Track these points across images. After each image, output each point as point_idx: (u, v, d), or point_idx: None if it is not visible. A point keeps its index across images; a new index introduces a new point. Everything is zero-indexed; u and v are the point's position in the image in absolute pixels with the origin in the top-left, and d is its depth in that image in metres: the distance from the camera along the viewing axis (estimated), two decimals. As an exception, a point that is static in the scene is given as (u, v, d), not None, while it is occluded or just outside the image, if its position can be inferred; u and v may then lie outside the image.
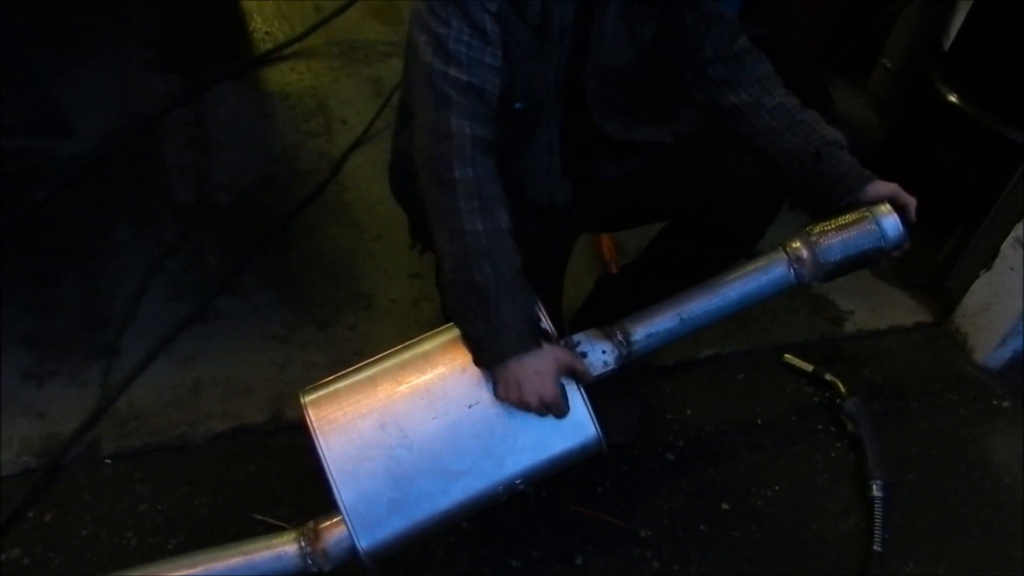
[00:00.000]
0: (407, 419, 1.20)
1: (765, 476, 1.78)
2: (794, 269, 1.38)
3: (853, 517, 1.72)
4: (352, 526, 1.17)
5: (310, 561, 1.22)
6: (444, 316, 1.34)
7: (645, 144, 1.50)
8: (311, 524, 1.25)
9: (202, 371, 1.83)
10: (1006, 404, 2.02)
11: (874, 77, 2.89)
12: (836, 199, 1.37)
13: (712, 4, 1.38)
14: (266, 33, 2.99)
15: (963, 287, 2.12)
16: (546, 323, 1.23)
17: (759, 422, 1.89)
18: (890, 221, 1.33)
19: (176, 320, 1.91)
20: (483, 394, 1.21)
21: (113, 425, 1.71)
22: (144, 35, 2.84)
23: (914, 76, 2.45)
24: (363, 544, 1.18)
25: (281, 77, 2.78)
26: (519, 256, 1.19)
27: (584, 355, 1.31)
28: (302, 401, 1.24)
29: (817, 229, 1.37)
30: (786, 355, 2.02)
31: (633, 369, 1.84)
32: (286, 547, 1.23)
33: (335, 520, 1.22)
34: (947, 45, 2.25)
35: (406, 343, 1.30)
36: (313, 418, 1.21)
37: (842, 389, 1.91)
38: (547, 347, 1.19)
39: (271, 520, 1.56)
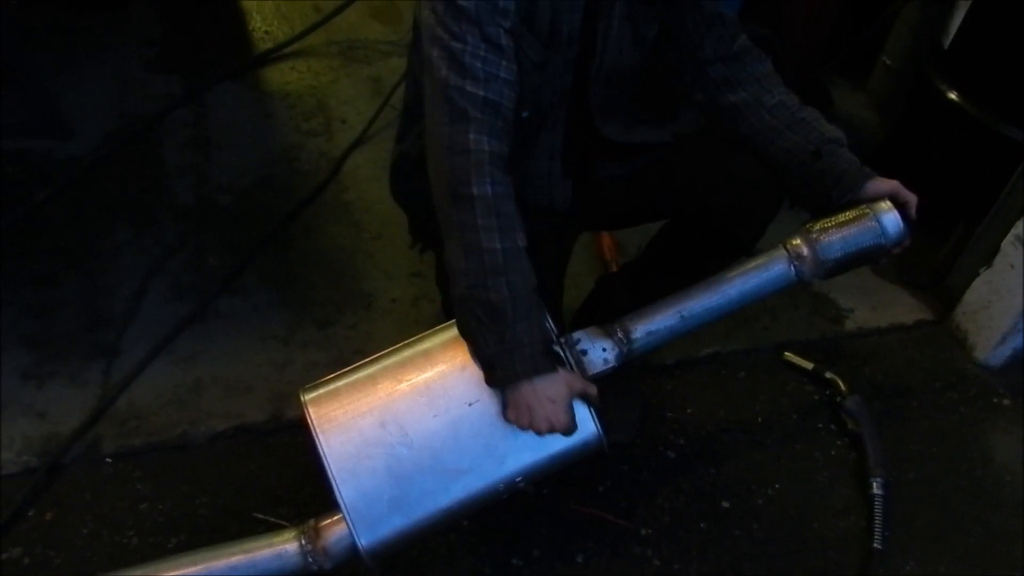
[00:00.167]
0: (407, 417, 1.20)
1: (766, 474, 1.78)
2: (795, 266, 1.38)
3: (854, 515, 1.72)
4: (352, 524, 1.17)
5: (311, 559, 1.22)
6: (444, 315, 1.34)
7: (645, 144, 1.50)
8: (312, 522, 1.25)
9: (202, 371, 1.83)
10: (1006, 402, 2.01)
11: (874, 76, 2.89)
12: (836, 196, 1.37)
13: (712, 4, 1.38)
14: (266, 33, 2.99)
15: (963, 285, 2.12)
16: (553, 334, 1.22)
17: (760, 420, 1.89)
18: (890, 218, 1.33)
19: (176, 320, 1.92)
20: (484, 392, 1.20)
21: (113, 424, 1.71)
22: (144, 35, 2.84)
23: (914, 75, 2.45)
24: (363, 542, 1.18)
25: (281, 77, 2.78)
26: (534, 274, 1.18)
27: (584, 353, 1.31)
28: (302, 399, 1.24)
29: (817, 226, 1.37)
30: (786, 353, 2.02)
31: (633, 367, 1.85)
32: (287, 545, 1.23)
33: (336, 518, 1.22)
34: (947, 44, 2.25)
35: (406, 341, 1.30)
36: (313, 416, 1.21)
37: (842, 387, 1.91)
38: (561, 372, 1.18)
39: (272, 519, 1.56)
